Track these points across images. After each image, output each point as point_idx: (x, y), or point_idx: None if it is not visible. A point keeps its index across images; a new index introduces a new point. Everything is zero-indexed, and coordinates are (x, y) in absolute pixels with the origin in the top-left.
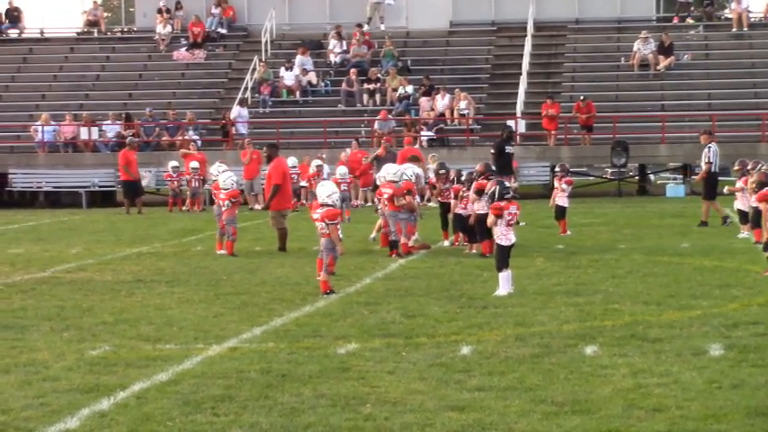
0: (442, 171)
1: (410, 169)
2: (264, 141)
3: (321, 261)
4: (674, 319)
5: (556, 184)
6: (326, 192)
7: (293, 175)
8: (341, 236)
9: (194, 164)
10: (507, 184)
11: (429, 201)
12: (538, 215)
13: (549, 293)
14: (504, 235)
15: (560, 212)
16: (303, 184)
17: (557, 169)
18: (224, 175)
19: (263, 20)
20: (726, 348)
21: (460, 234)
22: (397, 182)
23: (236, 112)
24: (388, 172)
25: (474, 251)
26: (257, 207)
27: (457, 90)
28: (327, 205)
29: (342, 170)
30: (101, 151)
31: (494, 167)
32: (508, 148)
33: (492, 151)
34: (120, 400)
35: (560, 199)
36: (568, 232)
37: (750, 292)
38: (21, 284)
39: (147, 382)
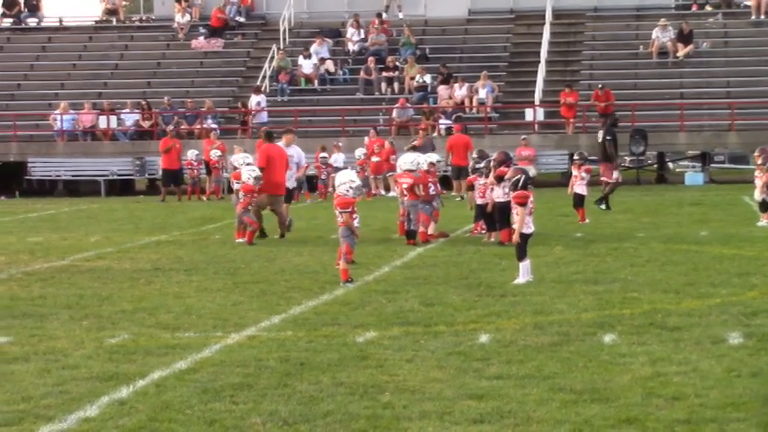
0: (475, 157)
1: (423, 158)
2: (282, 130)
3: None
4: (692, 307)
5: (575, 172)
6: (338, 181)
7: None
8: (356, 224)
9: (217, 153)
10: (533, 171)
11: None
12: (556, 203)
13: (568, 282)
14: (525, 223)
15: (579, 200)
16: (313, 172)
17: (575, 157)
18: (246, 168)
19: (281, 8)
20: (745, 337)
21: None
22: (414, 171)
23: (255, 100)
24: (405, 161)
25: (492, 239)
26: None
27: (483, 73)
28: (342, 194)
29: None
30: (119, 140)
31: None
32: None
33: (608, 138)
34: (140, 388)
35: (579, 187)
36: (587, 220)
37: None
38: (40, 273)
39: (166, 371)
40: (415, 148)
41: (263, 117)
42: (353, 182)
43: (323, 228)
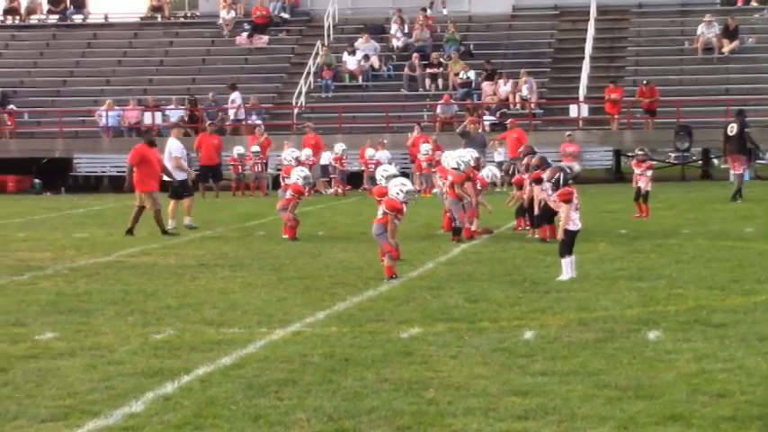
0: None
1: (469, 155)
2: (327, 126)
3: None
4: (738, 304)
5: (637, 170)
6: (390, 182)
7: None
8: (398, 218)
9: (255, 148)
10: (578, 168)
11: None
12: (600, 200)
13: (612, 278)
14: (571, 220)
15: (640, 195)
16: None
17: (637, 151)
18: (297, 169)
19: (325, 4)
20: None
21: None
22: (458, 168)
23: (231, 97)
24: (449, 158)
25: (537, 236)
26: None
27: (523, 71)
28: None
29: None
30: (164, 136)
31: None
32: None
33: (744, 129)
34: (185, 383)
35: (642, 182)
36: (641, 216)
37: None
38: (86, 269)
39: (210, 366)
40: (464, 135)
41: (242, 113)
42: (405, 185)
43: (367, 224)
